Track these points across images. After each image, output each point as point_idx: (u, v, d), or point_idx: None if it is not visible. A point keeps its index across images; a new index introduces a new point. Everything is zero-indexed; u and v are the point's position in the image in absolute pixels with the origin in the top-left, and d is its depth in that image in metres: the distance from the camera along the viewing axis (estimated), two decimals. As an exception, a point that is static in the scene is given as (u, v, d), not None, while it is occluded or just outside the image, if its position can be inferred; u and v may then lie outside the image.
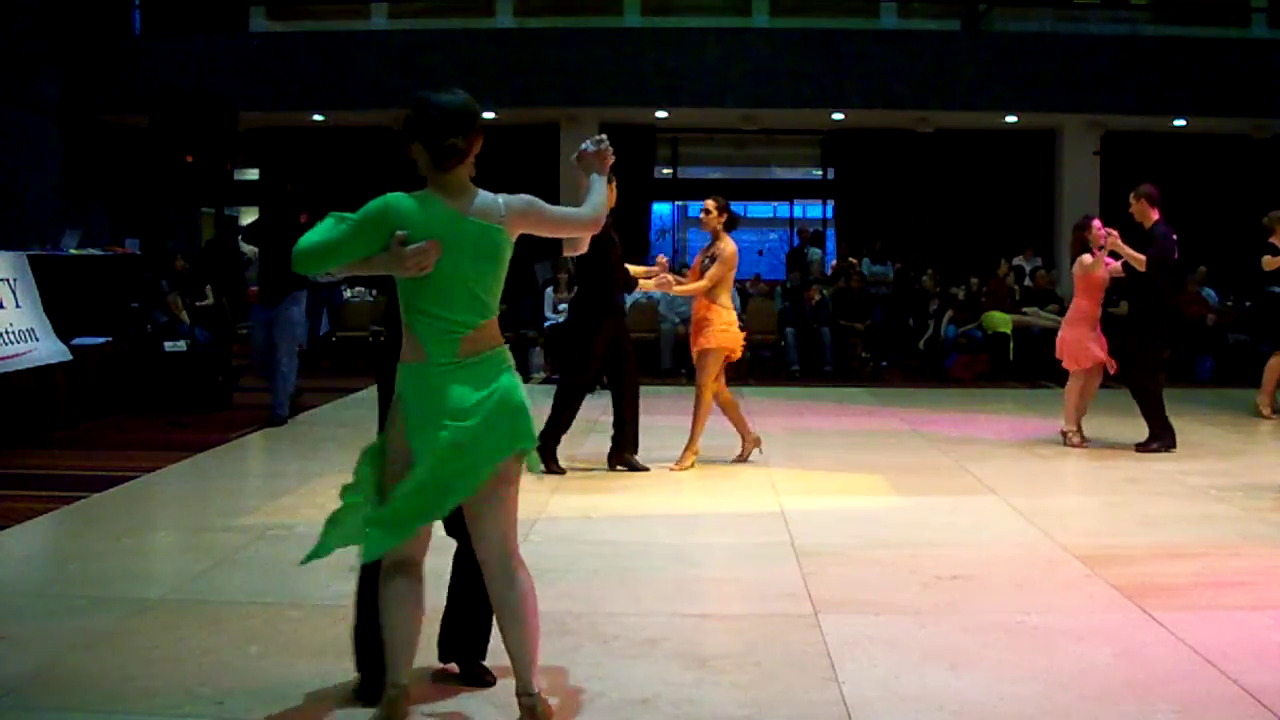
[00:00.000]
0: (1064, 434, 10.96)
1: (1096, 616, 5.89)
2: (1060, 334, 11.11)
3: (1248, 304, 18.50)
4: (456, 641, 4.98)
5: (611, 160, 4.87)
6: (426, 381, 4.22)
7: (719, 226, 9.94)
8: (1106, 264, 10.59)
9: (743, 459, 10.15)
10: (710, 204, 10.01)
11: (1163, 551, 7.17)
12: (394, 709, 4.32)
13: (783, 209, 25.20)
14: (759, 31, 20.73)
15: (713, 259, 9.84)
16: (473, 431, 4.14)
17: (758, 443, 10.19)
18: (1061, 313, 17.33)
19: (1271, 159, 21.36)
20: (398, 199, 4.22)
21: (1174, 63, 19.79)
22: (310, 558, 4.42)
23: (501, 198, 4.35)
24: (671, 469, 9.76)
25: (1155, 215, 10.37)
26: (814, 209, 24.64)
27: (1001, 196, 21.94)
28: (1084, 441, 10.83)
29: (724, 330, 9.78)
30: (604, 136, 4.90)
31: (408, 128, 4.31)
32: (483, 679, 4.92)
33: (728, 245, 9.87)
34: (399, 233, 4.16)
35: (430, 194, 4.26)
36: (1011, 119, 20.73)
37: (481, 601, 4.63)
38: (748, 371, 17.07)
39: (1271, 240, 12.64)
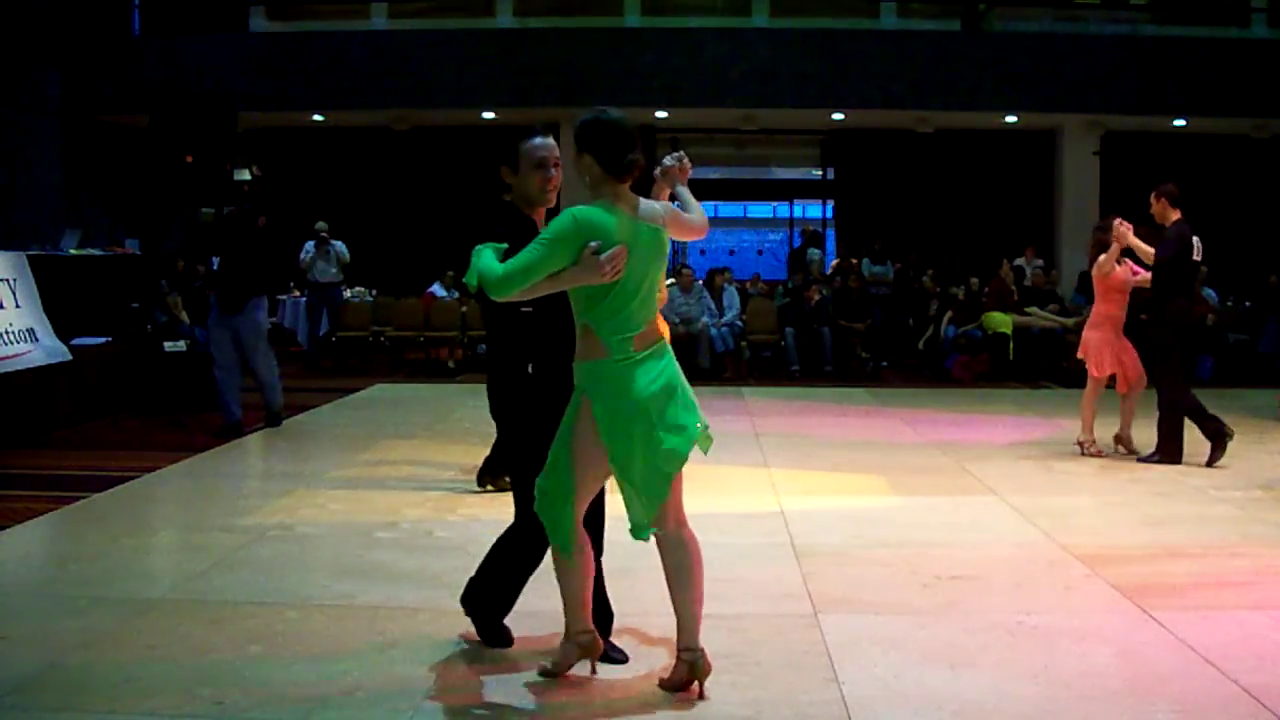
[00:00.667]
0: (1080, 444, 10.58)
1: (1096, 616, 5.89)
2: (1084, 334, 10.81)
3: (1248, 304, 18.53)
4: (482, 597, 5.37)
5: (690, 173, 5.19)
6: (609, 376, 4.56)
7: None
8: (1135, 272, 10.48)
9: None
10: None
11: (1163, 551, 7.18)
12: (591, 647, 4.92)
13: (783, 209, 25.23)
14: (759, 31, 20.72)
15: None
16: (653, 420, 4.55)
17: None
18: (1062, 313, 17.42)
19: (1272, 159, 21.36)
20: (585, 212, 4.53)
21: (1174, 62, 19.77)
22: (565, 551, 4.81)
23: (659, 203, 4.83)
24: None
25: (1176, 215, 10.17)
26: (814, 209, 24.66)
27: (1002, 197, 21.92)
28: (1102, 452, 10.52)
29: None
30: (683, 153, 5.22)
31: (583, 142, 4.64)
32: (506, 636, 5.36)
33: None
34: (592, 243, 4.47)
35: (607, 204, 4.61)
36: (1011, 119, 20.71)
37: (516, 569, 5.27)
38: (748, 371, 17.09)
39: None
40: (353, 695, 4.76)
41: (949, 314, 17.64)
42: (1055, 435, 11.25)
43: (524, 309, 4.75)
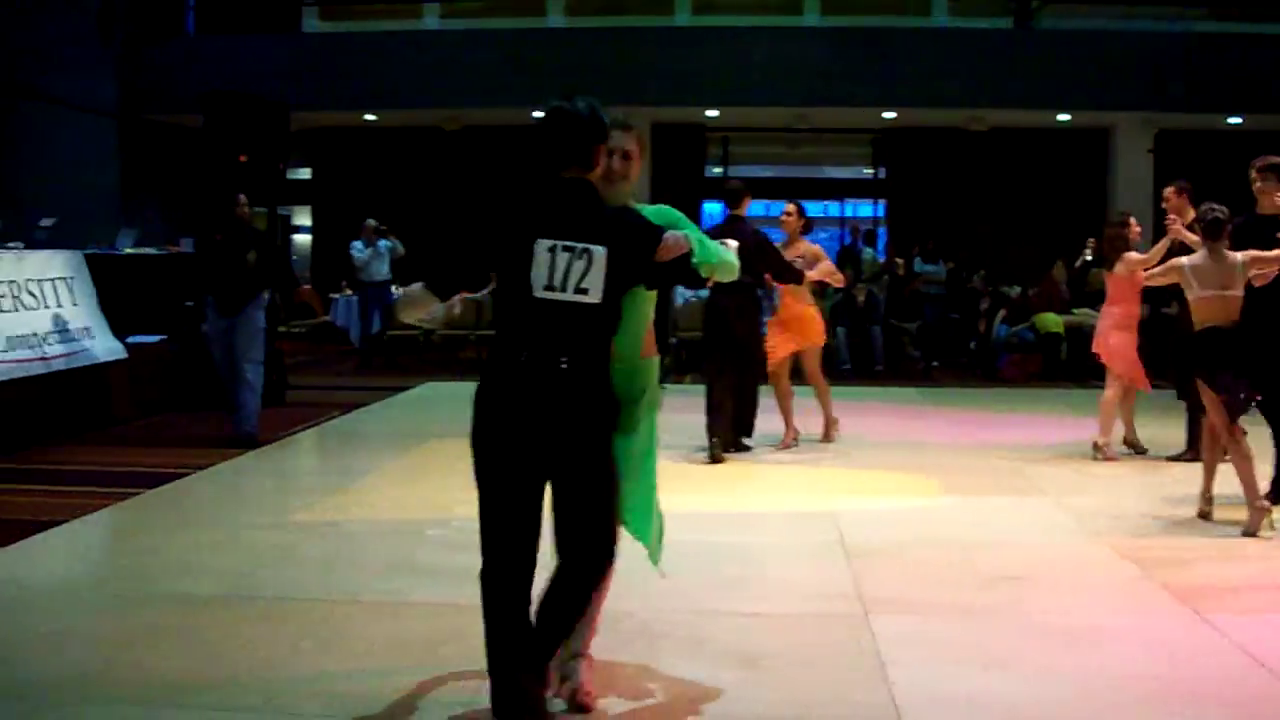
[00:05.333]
0: (1096, 446, 10.20)
1: (1149, 619, 5.83)
2: (1113, 337, 10.28)
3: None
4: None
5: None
6: None
7: (797, 230, 10.74)
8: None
9: (785, 447, 10.68)
10: (791, 207, 10.85)
11: (1217, 554, 7.10)
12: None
13: (834, 208, 25.13)
14: (810, 30, 20.70)
15: (815, 259, 10.63)
16: None
17: (797, 435, 10.88)
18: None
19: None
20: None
21: (1228, 59, 19.54)
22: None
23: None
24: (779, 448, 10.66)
25: (1194, 212, 9.82)
26: (865, 208, 24.57)
27: (1054, 196, 21.76)
28: (1116, 456, 10.20)
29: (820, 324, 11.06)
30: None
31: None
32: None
33: (811, 246, 10.82)
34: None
35: None
36: (1064, 117, 20.58)
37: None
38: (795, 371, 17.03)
39: None
40: (404, 693, 4.78)
41: (1001, 313, 17.53)
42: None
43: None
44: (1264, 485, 7.90)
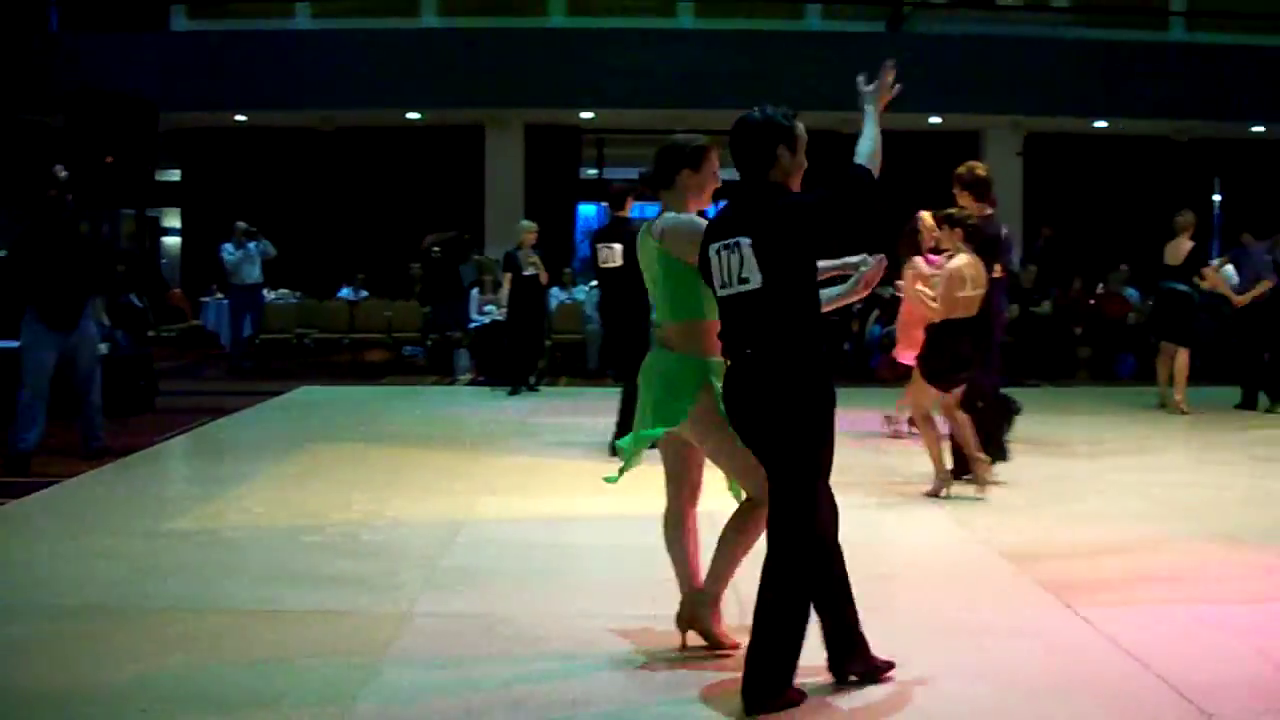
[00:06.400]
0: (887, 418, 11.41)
1: (1024, 614, 5.93)
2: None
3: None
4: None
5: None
6: None
7: None
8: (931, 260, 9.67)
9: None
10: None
11: (1088, 548, 7.23)
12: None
13: (711, 210, 25.20)
14: (684, 32, 20.77)
15: None
16: None
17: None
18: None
19: (1191, 161, 21.70)
20: None
21: (1095, 65, 20.01)
22: None
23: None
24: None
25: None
26: (741, 209, 24.71)
27: (928, 197, 21.98)
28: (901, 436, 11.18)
29: None
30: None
31: None
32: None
33: None
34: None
35: None
36: (935, 120, 20.86)
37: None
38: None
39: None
40: (280, 702, 4.68)
41: (875, 314, 17.72)
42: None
43: None
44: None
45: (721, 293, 4.75)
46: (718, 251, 4.74)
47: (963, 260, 8.54)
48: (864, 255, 5.14)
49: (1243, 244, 14.95)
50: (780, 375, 4.61)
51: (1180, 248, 13.26)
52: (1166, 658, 5.13)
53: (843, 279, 5.20)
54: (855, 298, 5.20)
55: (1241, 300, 13.63)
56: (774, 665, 4.61)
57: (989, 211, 9.18)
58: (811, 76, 19.70)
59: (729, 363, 4.79)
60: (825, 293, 4.97)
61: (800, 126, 5.00)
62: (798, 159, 4.92)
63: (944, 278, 8.60)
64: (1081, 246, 20.54)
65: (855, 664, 4.88)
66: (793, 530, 4.65)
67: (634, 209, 10.31)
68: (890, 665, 4.92)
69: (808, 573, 4.69)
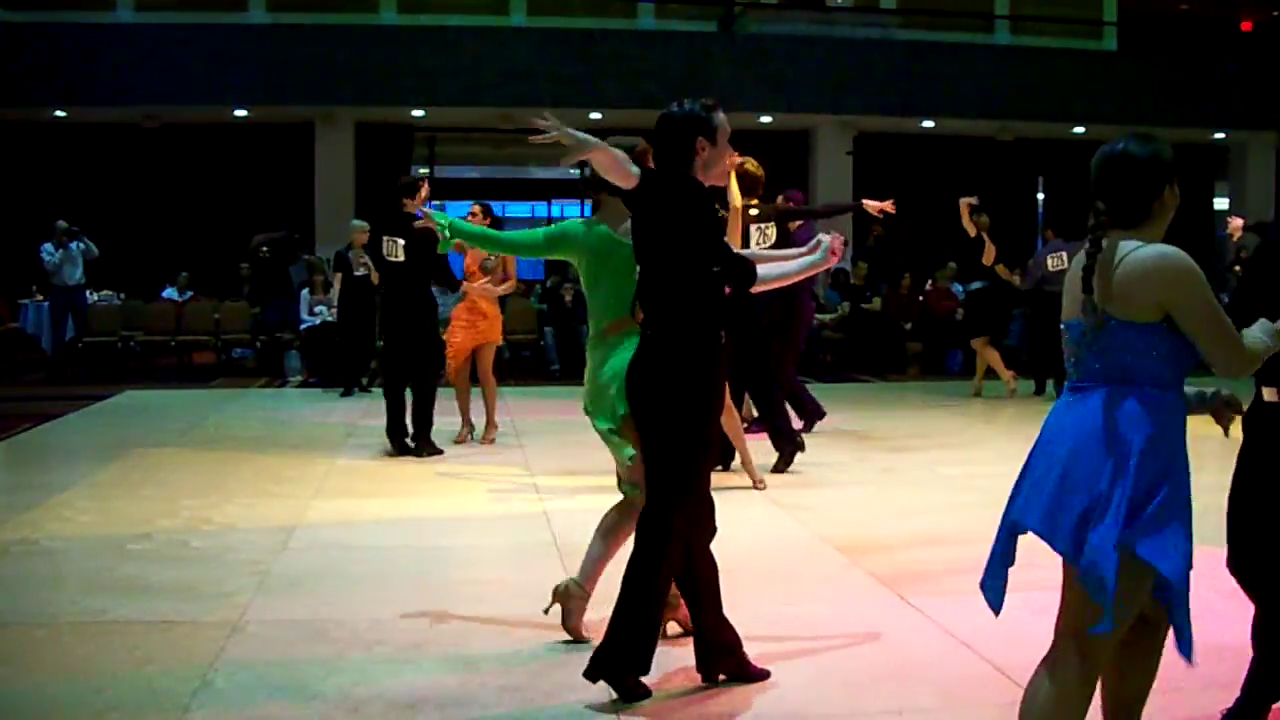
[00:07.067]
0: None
1: (857, 605, 6.03)
2: None
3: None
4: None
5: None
6: None
7: None
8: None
9: (461, 441, 11.04)
10: (476, 209, 10.77)
11: (917, 540, 7.38)
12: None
13: (541, 208, 25.24)
14: (517, 30, 20.72)
15: (503, 265, 10.80)
16: None
17: (473, 429, 11.22)
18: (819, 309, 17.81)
19: (1015, 160, 22.33)
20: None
21: (922, 66, 20.48)
22: None
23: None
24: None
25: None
26: (572, 208, 24.73)
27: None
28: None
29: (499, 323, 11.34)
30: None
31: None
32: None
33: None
34: None
35: None
36: (766, 119, 21.11)
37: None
38: (508, 371, 17.03)
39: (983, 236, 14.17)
40: (107, 715, 4.55)
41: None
42: (834, 425, 11.47)
43: None
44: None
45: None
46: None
47: None
48: (819, 235, 5.10)
49: (1046, 239, 15.91)
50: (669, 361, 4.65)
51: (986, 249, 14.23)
52: (993, 643, 5.23)
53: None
54: (824, 267, 5.13)
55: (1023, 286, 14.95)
56: (621, 649, 4.65)
57: (754, 205, 10.08)
58: (643, 75, 19.83)
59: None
60: (796, 263, 5.02)
61: (720, 117, 4.99)
62: (719, 150, 4.92)
63: None
64: (910, 244, 21.01)
65: (725, 665, 4.89)
66: (657, 525, 4.70)
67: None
68: (766, 674, 4.92)
69: (662, 569, 4.73)
